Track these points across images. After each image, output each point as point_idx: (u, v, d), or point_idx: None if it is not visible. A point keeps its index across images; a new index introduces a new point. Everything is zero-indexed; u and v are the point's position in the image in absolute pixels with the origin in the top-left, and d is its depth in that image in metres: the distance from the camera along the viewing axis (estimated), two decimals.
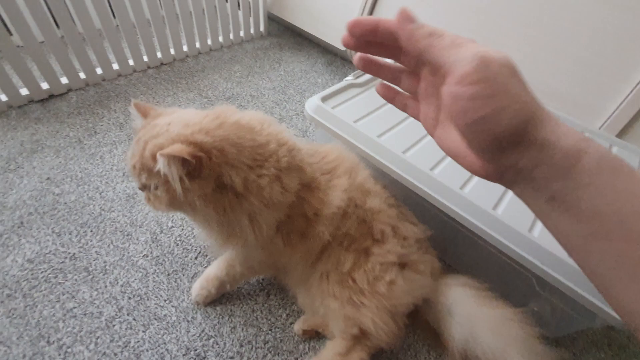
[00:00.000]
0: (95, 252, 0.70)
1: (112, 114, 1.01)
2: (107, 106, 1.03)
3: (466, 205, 0.61)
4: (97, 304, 0.63)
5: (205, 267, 0.71)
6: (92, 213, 0.77)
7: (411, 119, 0.78)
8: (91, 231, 0.74)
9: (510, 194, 0.65)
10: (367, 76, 0.86)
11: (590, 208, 0.21)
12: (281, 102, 1.17)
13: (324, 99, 0.77)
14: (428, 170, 0.65)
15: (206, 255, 0.72)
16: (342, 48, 1.33)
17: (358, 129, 0.71)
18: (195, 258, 0.72)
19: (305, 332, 0.62)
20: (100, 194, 0.81)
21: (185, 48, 1.28)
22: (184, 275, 0.69)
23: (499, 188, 0.65)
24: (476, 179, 0.66)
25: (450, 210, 0.62)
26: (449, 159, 0.69)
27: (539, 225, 0.60)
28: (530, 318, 0.70)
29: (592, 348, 0.68)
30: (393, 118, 0.76)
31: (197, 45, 1.31)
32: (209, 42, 1.34)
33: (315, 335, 0.63)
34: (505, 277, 0.65)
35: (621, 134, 0.84)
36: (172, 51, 1.24)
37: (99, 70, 1.10)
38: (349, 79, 0.84)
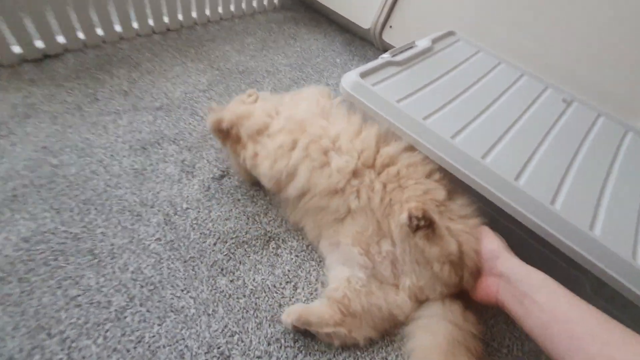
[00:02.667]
0: (101, 232, 0.62)
1: (114, 80, 0.91)
2: (109, 71, 0.93)
3: (521, 198, 0.56)
4: (105, 292, 0.56)
5: (225, 255, 0.64)
6: (96, 189, 0.68)
7: (459, 99, 0.72)
8: (95, 209, 0.65)
9: (568, 184, 0.59)
10: (406, 54, 0.79)
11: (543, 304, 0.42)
12: (299, 80, 1.08)
13: (363, 75, 0.70)
14: (479, 157, 0.60)
15: (226, 242, 0.65)
16: (362, 26, 1.24)
17: (402, 110, 0.64)
18: (214, 244, 0.65)
19: (296, 327, 0.55)
20: (104, 167, 0.72)
21: (194, 14, 1.17)
22: (202, 262, 0.62)
23: (555, 178, 0.60)
24: (531, 168, 0.60)
25: (504, 203, 0.57)
26: (501, 145, 0.63)
27: (601, 221, 0.55)
28: None
29: None
30: (439, 99, 0.70)
31: (207, 12, 1.20)
32: (220, 10, 1.23)
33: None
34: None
35: None
36: (180, 17, 1.13)
37: (99, 31, 0.99)
38: (386, 56, 0.77)
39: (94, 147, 0.75)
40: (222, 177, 0.76)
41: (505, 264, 0.48)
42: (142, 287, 0.57)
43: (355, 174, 0.61)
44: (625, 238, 0.54)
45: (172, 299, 0.57)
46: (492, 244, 0.52)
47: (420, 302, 0.57)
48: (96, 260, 0.59)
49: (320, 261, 0.67)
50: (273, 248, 0.67)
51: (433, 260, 0.53)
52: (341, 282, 0.58)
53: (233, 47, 1.14)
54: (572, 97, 0.82)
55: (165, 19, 1.11)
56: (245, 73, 1.05)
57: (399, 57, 0.78)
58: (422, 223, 0.51)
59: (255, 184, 0.75)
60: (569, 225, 0.53)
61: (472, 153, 0.60)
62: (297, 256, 0.67)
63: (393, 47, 1.18)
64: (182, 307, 0.56)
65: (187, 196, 0.71)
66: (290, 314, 0.54)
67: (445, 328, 0.52)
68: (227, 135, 0.70)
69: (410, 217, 0.52)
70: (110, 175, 0.71)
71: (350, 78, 0.69)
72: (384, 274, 0.59)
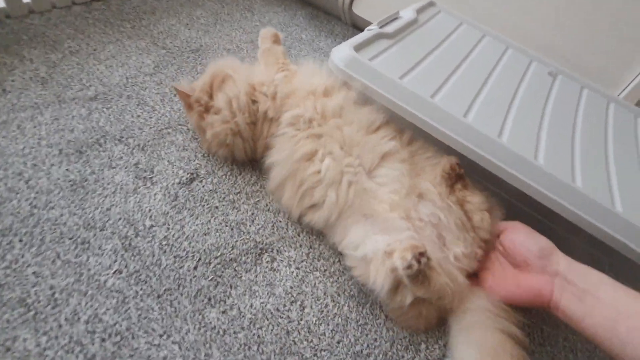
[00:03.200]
0: (33, 273, 0.46)
1: (26, 65, 0.69)
2: (19, 54, 0.71)
3: (541, 176, 0.51)
4: (51, 355, 0.40)
5: (211, 279, 0.51)
6: (18, 213, 0.50)
7: (462, 70, 0.67)
8: (20, 241, 0.48)
9: (580, 161, 0.56)
10: (394, 25, 0.69)
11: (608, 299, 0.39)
12: None
13: (358, 49, 0.59)
14: (495, 137, 0.54)
15: (209, 263, 0.52)
16: None
17: (407, 88, 0.55)
18: (195, 268, 0.51)
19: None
20: (26, 182, 0.53)
21: None
22: (182, 295, 0.49)
23: (571, 157, 0.56)
24: (544, 144, 0.56)
25: (523, 184, 0.52)
26: (512, 118, 0.58)
27: (620, 196, 0.52)
28: None
29: None
30: (441, 72, 0.62)
31: None
32: None
33: None
34: None
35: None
36: None
37: (0, 3, 0.75)
38: (374, 27, 0.67)
39: (8, 155, 0.55)
40: (191, 180, 0.62)
41: (561, 261, 0.45)
42: (103, 340, 0.43)
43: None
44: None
45: (149, 349, 0.43)
46: (542, 242, 0.47)
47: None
48: (31, 313, 0.43)
49: (325, 270, 0.57)
50: (268, 262, 0.56)
51: (474, 211, 0.51)
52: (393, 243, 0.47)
53: (180, 20, 0.95)
54: (556, 69, 0.80)
55: None
56: (199, 52, 0.88)
57: (388, 28, 0.68)
58: (461, 171, 0.51)
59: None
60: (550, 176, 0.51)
61: (488, 132, 0.53)
62: (297, 268, 0.56)
63: (365, 20, 1.09)
64: (165, 358, 0.43)
65: (150, 210, 0.55)
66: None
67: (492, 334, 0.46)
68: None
69: (452, 167, 0.51)
70: (36, 192, 0.53)
71: (343, 52, 0.58)
72: (430, 242, 0.50)
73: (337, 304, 0.54)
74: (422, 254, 0.43)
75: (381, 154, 0.56)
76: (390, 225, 0.51)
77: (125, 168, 0.60)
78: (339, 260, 0.59)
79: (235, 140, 0.60)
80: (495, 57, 0.77)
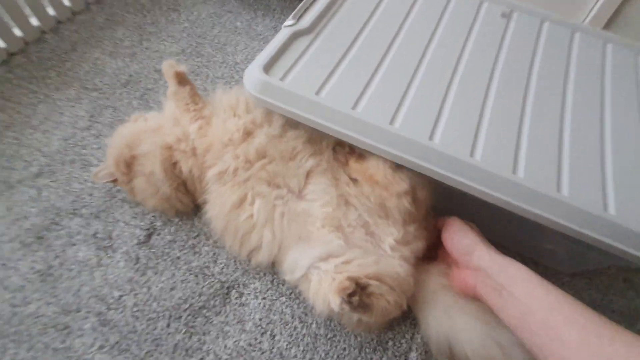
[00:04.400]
0: None
1: None
2: None
3: (477, 173, 0.49)
4: None
5: (185, 332, 0.56)
6: (3, 315, 0.56)
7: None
8: (12, 342, 0.54)
9: (524, 152, 0.52)
10: (311, 15, 0.62)
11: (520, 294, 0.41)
12: (200, 68, 0.89)
13: (267, 68, 0.55)
14: (427, 140, 0.51)
15: (180, 317, 0.57)
16: None
17: (324, 104, 0.52)
18: (168, 326, 0.56)
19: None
20: (1, 283, 0.58)
21: (34, 21, 0.89)
22: (161, 353, 0.54)
23: (511, 152, 0.52)
24: (482, 143, 0.52)
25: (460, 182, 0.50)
26: (443, 122, 0.54)
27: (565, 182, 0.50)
28: (544, 256, 0.66)
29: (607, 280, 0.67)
30: (359, 77, 0.57)
31: (51, 11, 0.91)
32: (66, 1, 0.94)
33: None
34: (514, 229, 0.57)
35: (607, 26, 0.73)
36: (17, 32, 0.86)
37: None
38: (289, 23, 0.61)
39: None
40: (149, 236, 0.64)
41: (482, 257, 0.47)
42: None
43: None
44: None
45: None
46: (466, 238, 0.49)
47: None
48: None
49: (290, 293, 0.61)
50: (236, 299, 0.60)
51: (383, 187, 0.51)
52: (329, 264, 0.50)
53: (103, 50, 0.90)
54: (511, 7, 0.70)
55: (0, 43, 0.83)
56: (130, 84, 0.84)
57: (304, 22, 0.61)
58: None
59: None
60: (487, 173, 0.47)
61: (418, 138, 0.50)
62: (264, 298, 0.60)
63: None
64: None
65: (115, 280, 0.60)
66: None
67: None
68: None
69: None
70: (10, 291, 0.58)
71: (253, 77, 0.54)
72: (363, 243, 0.53)
73: (305, 324, 0.59)
74: (351, 294, 0.44)
75: (305, 173, 0.56)
76: (320, 241, 0.53)
77: (85, 242, 0.63)
78: None
79: (171, 203, 0.61)
80: (438, 11, 0.69)
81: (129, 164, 0.59)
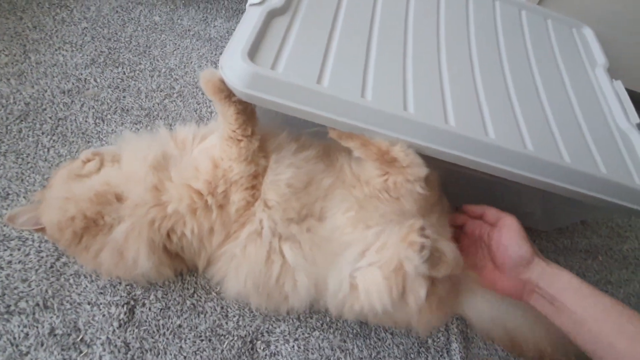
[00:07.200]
0: None
1: None
2: None
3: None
4: None
5: None
6: None
7: (373, 53, 0.53)
8: None
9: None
10: None
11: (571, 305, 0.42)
12: (125, 83, 0.71)
13: (251, 56, 0.44)
14: (443, 124, 0.48)
15: None
16: None
17: (331, 95, 0.44)
18: None
19: None
20: None
21: None
22: None
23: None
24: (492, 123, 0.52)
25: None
26: (450, 103, 0.51)
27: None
28: (525, 220, 0.73)
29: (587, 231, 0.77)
30: (354, 59, 0.50)
31: None
32: None
33: None
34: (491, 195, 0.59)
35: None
36: None
37: None
38: (256, 1, 0.50)
39: None
40: (132, 311, 0.50)
41: (535, 271, 0.46)
42: None
43: None
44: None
45: None
46: (523, 248, 0.47)
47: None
48: None
49: (322, 324, 0.55)
50: (264, 350, 0.52)
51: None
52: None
53: None
54: None
55: None
56: (29, 115, 0.62)
57: (274, 0, 0.51)
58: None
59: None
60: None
61: (433, 122, 0.46)
62: (296, 339, 0.53)
63: None
64: None
65: None
66: None
67: None
68: None
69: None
70: None
71: (237, 67, 0.42)
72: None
73: (347, 352, 0.54)
74: (422, 228, 0.43)
75: (324, 193, 0.49)
76: (358, 242, 0.48)
77: (42, 345, 0.46)
78: None
79: (146, 278, 0.48)
80: None
81: (86, 230, 0.44)
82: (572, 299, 0.42)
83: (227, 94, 0.43)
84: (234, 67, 0.43)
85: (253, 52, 0.45)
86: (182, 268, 0.52)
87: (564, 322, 0.43)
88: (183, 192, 0.44)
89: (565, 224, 0.74)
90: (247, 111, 0.45)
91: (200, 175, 0.44)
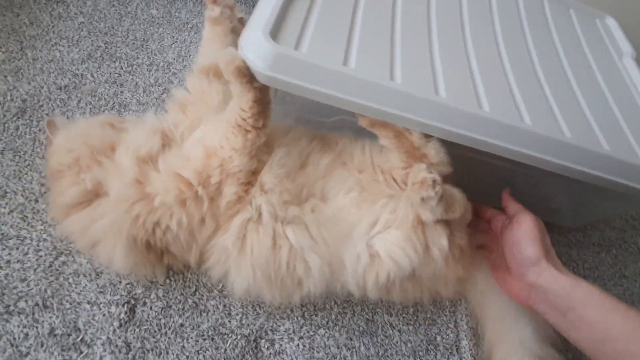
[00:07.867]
0: None
1: None
2: None
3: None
4: None
5: None
6: None
7: (398, 33, 0.51)
8: None
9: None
10: None
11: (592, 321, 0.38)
12: (123, 78, 0.69)
13: (274, 35, 0.41)
14: (477, 109, 0.45)
15: None
16: None
17: (359, 77, 0.42)
18: None
19: None
20: None
21: None
22: None
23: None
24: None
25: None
26: (482, 89, 0.49)
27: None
28: (552, 217, 0.69)
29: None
30: (379, 39, 0.48)
31: None
32: None
33: None
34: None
35: None
36: None
37: None
38: None
39: None
40: (132, 310, 0.49)
41: (542, 275, 0.42)
42: None
43: None
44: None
45: None
46: (530, 247, 0.43)
47: None
48: None
49: (327, 322, 0.54)
50: (268, 349, 0.51)
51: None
52: None
53: None
54: None
55: None
56: (27, 113, 0.61)
57: None
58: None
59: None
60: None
61: (465, 107, 0.44)
62: (301, 338, 0.52)
63: None
64: None
65: None
66: None
67: None
68: None
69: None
70: None
71: (259, 48, 0.40)
72: None
73: (354, 350, 0.53)
74: (428, 167, 0.43)
75: (323, 172, 0.48)
76: (366, 217, 0.47)
77: (42, 346, 0.45)
78: (335, 302, 0.56)
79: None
80: None
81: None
82: (596, 313, 0.38)
83: (250, 78, 0.41)
84: (255, 47, 0.40)
85: (275, 32, 0.42)
86: (169, 268, 0.50)
87: (584, 337, 0.38)
88: (170, 183, 0.42)
89: (592, 220, 0.71)
90: (264, 101, 0.43)
91: (190, 164, 0.43)
